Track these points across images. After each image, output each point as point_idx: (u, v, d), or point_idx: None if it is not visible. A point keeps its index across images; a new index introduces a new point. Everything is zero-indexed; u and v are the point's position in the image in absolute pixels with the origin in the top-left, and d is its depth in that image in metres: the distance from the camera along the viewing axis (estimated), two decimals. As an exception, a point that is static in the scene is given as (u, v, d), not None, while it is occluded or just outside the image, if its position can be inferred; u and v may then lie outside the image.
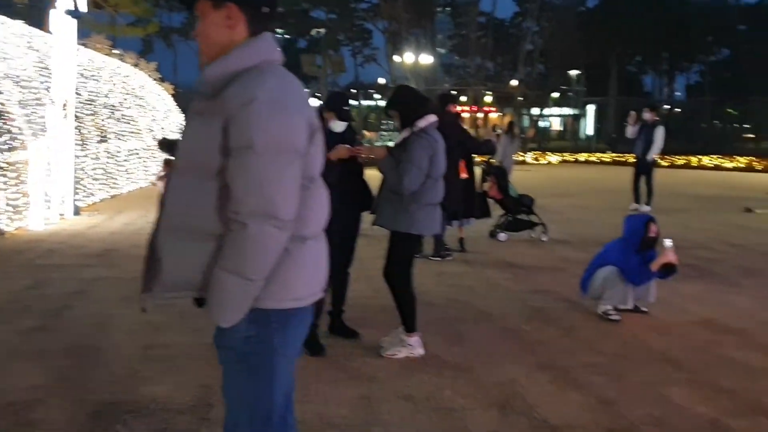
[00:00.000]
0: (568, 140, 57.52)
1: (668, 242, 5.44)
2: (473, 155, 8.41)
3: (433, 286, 6.62)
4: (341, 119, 4.70)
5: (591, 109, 59.89)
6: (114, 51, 20.43)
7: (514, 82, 52.18)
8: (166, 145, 5.98)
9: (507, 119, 19.83)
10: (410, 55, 26.27)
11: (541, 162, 31.17)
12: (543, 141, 53.89)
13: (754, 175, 25.45)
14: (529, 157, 30.42)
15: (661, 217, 12.53)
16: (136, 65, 20.19)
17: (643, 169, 12.81)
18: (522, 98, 53.58)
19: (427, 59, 27.46)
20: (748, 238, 9.74)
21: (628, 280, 5.43)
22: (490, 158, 10.71)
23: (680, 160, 29.25)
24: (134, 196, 14.09)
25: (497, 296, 6.33)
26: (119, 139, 14.62)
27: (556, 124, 66.44)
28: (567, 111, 63.82)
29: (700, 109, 60.48)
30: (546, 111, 62.58)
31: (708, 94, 59.95)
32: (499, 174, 9.54)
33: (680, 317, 5.65)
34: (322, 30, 31.59)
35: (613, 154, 34.06)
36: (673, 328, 5.35)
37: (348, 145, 4.50)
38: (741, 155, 30.56)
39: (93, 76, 14.24)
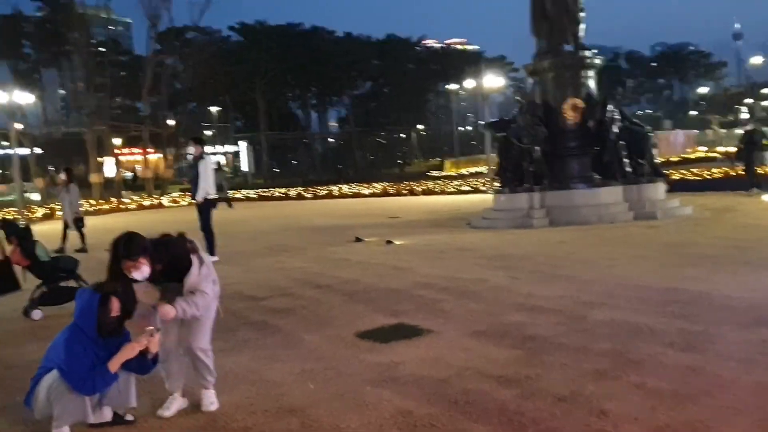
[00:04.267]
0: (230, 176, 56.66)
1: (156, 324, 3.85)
2: None
3: None
4: None
5: (243, 145, 59.55)
6: None
7: (170, 121, 49.69)
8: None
9: (63, 166, 17.36)
10: (3, 95, 22.27)
11: (181, 203, 29.42)
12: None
13: (388, 199, 26.48)
14: (165, 199, 28.60)
15: (259, 259, 11.00)
16: None
17: (198, 210, 11.23)
18: (181, 138, 51.08)
19: (27, 98, 23.65)
20: (341, 275, 8.77)
21: (74, 388, 3.63)
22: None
23: (323, 191, 29.54)
24: None
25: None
26: None
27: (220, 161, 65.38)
28: (226, 148, 62.78)
29: (348, 139, 63.95)
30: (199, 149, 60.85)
31: (354, 125, 63.56)
32: (21, 234, 7.31)
33: (185, 422, 4.01)
34: None
35: (261, 190, 33.73)
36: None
37: None
38: (387, 181, 32.00)
39: None
